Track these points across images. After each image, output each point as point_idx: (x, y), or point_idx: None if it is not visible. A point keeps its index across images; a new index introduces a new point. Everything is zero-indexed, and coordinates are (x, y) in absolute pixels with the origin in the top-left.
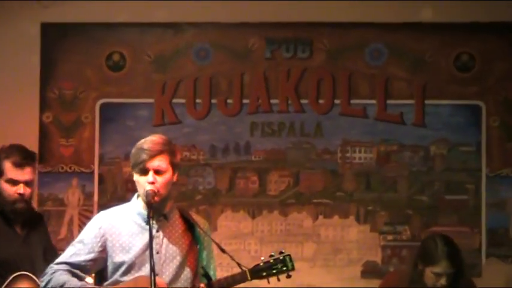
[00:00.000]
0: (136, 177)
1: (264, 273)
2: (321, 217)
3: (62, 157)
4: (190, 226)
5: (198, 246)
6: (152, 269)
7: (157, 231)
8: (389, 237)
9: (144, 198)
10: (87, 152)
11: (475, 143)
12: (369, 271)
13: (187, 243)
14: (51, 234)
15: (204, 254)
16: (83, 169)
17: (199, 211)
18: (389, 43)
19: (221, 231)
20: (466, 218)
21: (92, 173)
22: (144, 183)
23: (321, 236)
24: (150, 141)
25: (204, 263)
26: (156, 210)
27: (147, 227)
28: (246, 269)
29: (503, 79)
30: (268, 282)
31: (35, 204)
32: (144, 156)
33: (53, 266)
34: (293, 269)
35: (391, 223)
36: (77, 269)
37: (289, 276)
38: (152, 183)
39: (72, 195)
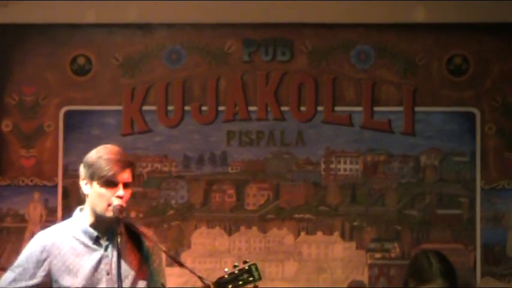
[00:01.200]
0: (99, 189)
1: (230, 286)
2: (303, 233)
3: (23, 169)
4: (137, 240)
5: (148, 262)
6: None
7: (105, 250)
8: (377, 255)
9: (108, 214)
10: (49, 164)
11: (470, 153)
12: None
13: (137, 258)
14: (10, 252)
15: (153, 268)
16: (45, 182)
17: (172, 227)
18: (377, 45)
19: (195, 248)
20: (460, 234)
21: (55, 186)
22: (109, 197)
23: (303, 253)
24: (116, 151)
25: (154, 277)
26: (108, 227)
27: (94, 246)
28: (210, 283)
29: (500, 83)
30: None
31: None
32: (115, 168)
33: None
34: (260, 278)
35: (379, 240)
36: None
37: (255, 287)
38: (122, 197)
39: (34, 210)
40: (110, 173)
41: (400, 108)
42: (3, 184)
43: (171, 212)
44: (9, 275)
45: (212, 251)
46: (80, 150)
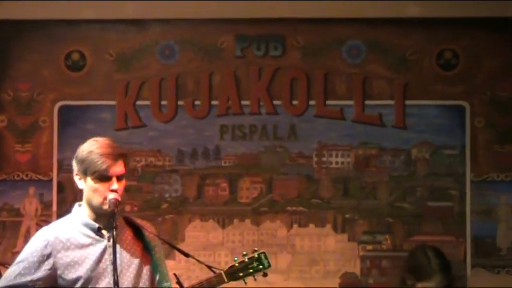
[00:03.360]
0: (93, 184)
1: (241, 274)
2: (295, 226)
3: (18, 164)
4: (138, 232)
5: (150, 252)
6: (116, 283)
7: (108, 240)
8: (369, 247)
9: (105, 207)
10: (45, 158)
11: (460, 146)
12: (347, 283)
13: (139, 249)
14: (6, 246)
15: (156, 257)
16: (40, 176)
17: (166, 220)
18: (368, 40)
19: (189, 241)
20: (451, 226)
21: (51, 180)
22: (104, 190)
23: (296, 246)
24: (107, 144)
25: (158, 268)
26: (107, 219)
27: (97, 237)
28: (222, 271)
29: (489, 77)
30: (245, 283)
31: None
32: (108, 161)
33: None
34: (269, 266)
35: (371, 232)
36: None
37: (265, 275)
38: (116, 190)
39: (29, 205)
40: (103, 167)
41: (392, 102)
42: None
43: (165, 205)
44: (13, 270)
45: (206, 244)
46: (75, 145)
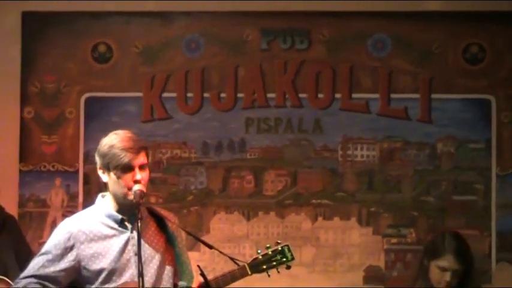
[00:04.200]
0: (116, 177)
1: (264, 266)
2: (320, 219)
3: (44, 155)
4: (161, 223)
5: (173, 243)
6: (140, 274)
7: (131, 232)
8: (393, 240)
9: (130, 198)
10: (71, 150)
11: (485, 140)
12: (372, 277)
13: (162, 240)
14: (33, 236)
15: (179, 249)
16: (66, 168)
17: (191, 212)
18: (393, 33)
19: (214, 234)
20: (475, 220)
21: (76, 172)
22: (128, 181)
23: (321, 239)
24: (128, 138)
25: (180, 259)
26: (131, 211)
27: (120, 229)
28: (245, 264)
29: None
30: (269, 275)
31: (15, 205)
32: (129, 155)
33: (19, 281)
34: (293, 259)
35: (395, 225)
36: (47, 282)
37: (288, 267)
38: (140, 181)
39: (56, 196)
40: (125, 161)
41: (417, 96)
42: (26, 170)
43: (191, 197)
44: (37, 262)
45: (231, 236)
46: (100, 137)
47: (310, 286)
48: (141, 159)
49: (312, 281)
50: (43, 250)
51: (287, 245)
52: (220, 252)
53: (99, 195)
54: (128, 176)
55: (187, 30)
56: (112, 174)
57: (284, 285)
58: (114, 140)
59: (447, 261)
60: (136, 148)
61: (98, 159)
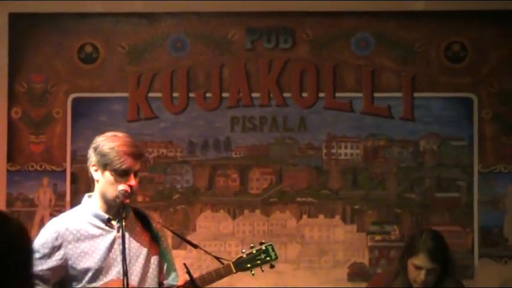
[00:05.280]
0: (111, 178)
1: (249, 265)
2: (305, 217)
3: (32, 155)
4: (145, 223)
5: (158, 242)
6: (125, 273)
7: (117, 231)
8: (378, 237)
9: (116, 199)
10: (58, 149)
11: (467, 138)
12: (356, 273)
13: (147, 239)
14: None
15: (164, 247)
16: (54, 167)
17: (177, 211)
18: (377, 32)
19: (200, 232)
20: (458, 217)
21: (64, 171)
22: (122, 185)
23: (306, 236)
24: (129, 143)
25: (166, 257)
26: (117, 210)
27: (107, 228)
28: (230, 262)
29: (497, 70)
30: (253, 274)
31: (3, 205)
32: (129, 161)
33: None
34: (276, 258)
35: (379, 222)
36: (35, 280)
37: (272, 266)
38: (133, 186)
39: (43, 195)
40: (124, 166)
41: (400, 94)
42: (14, 169)
43: (177, 196)
44: None
45: (217, 234)
46: (87, 136)
47: (295, 283)
48: (138, 165)
49: (297, 277)
50: None
51: (271, 245)
52: (205, 251)
53: (86, 195)
54: (123, 181)
55: (173, 30)
56: (107, 174)
57: (270, 282)
58: (115, 142)
59: (421, 259)
60: (137, 155)
61: (93, 156)
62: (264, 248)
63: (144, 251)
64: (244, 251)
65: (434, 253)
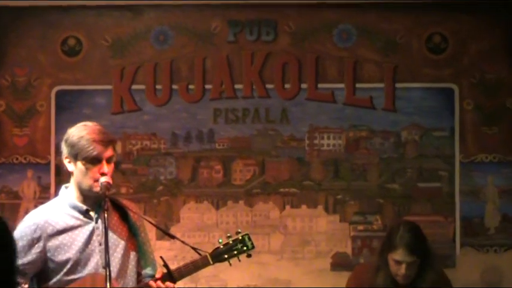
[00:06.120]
0: (84, 167)
1: (226, 256)
2: (288, 207)
3: (16, 147)
4: (123, 213)
5: (136, 232)
6: (108, 264)
7: (95, 222)
8: (360, 227)
9: (95, 190)
10: (42, 142)
11: (449, 128)
12: (339, 263)
13: (125, 230)
14: None
15: (141, 237)
16: (38, 160)
17: (161, 202)
18: (358, 24)
19: (184, 223)
20: (440, 207)
21: (48, 164)
22: (94, 173)
23: (289, 227)
24: (98, 130)
25: (143, 247)
26: (95, 201)
27: (85, 219)
28: (207, 254)
29: (478, 60)
30: (230, 264)
31: None
32: (98, 147)
33: None
34: (253, 247)
35: (362, 213)
36: None
37: (249, 256)
38: (106, 174)
39: (28, 188)
40: (94, 153)
41: (382, 85)
42: None
43: (160, 187)
44: None
45: (200, 225)
46: None
47: (278, 273)
48: (109, 152)
49: (280, 268)
50: None
51: (247, 234)
52: (182, 242)
53: (63, 186)
54: (95, 168)
55: (156, 23)
56: (79, 164)
57: (253, 272)
58: (83, 131)
59: (400, 254)
60: (106, 141)
61: (64, 148)
62: (240, 237)
63: (122, 243)
64: (220, 241)
65: (412, 246)
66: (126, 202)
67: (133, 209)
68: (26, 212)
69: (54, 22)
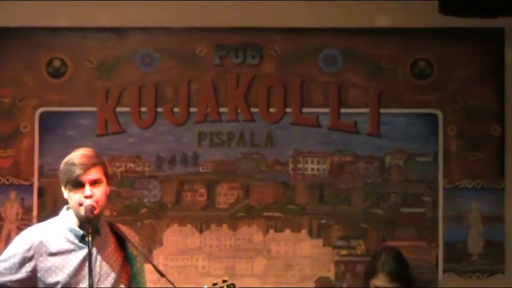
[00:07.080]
0: (70, 193)
1: None
2: (272, 231)
3: (0, 169)
4: (121, 241)
5: (131, 262)
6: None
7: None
8: (344, 252)
9: (81, 213)
10: (26, 164)
11: (433, 154)
12: None
13: (120, 259)
14: None
15: (136, 268)
16: (21, 181)
17: (145, 225)
18: (344, 49)
19: (167, 246)
20: (423, 232)
21: (31, 185)
22: (80, 198)
23: (272, 251)
24: (80, 155)
25: (136, 278)
26: (92, 226)
27: (80, 244)
28: None
29: (462, 86)
30: None
31: None
32: (78, 171)
33: None
34: None
35: (346, 237)
36: None
37: None
38: (90, 196)
39: (10, 209)
40: (74, 176)
41: (366, 110)
42: None
43: (144, 210)
44: None
45: (184, 248)
46: (55, 151)
47: None
48: (92, 175)
49: None
50: (1, 257)
51: (233, 284)
52: (170, 281)
53: (64, 207)
54: (78, 192)
55: (141, 45)
56: (67, 190)
57: None
58: (70, 157)
59: (382, 280)
60: (87, 164)
61: (60, 177)
62: (225, 287)
63: (115, 270)
64: (205, 287)
65: (394, 273)
66: (126, 230)
67: (132, 239)
68: (8, 234)
69: (40, 43)
